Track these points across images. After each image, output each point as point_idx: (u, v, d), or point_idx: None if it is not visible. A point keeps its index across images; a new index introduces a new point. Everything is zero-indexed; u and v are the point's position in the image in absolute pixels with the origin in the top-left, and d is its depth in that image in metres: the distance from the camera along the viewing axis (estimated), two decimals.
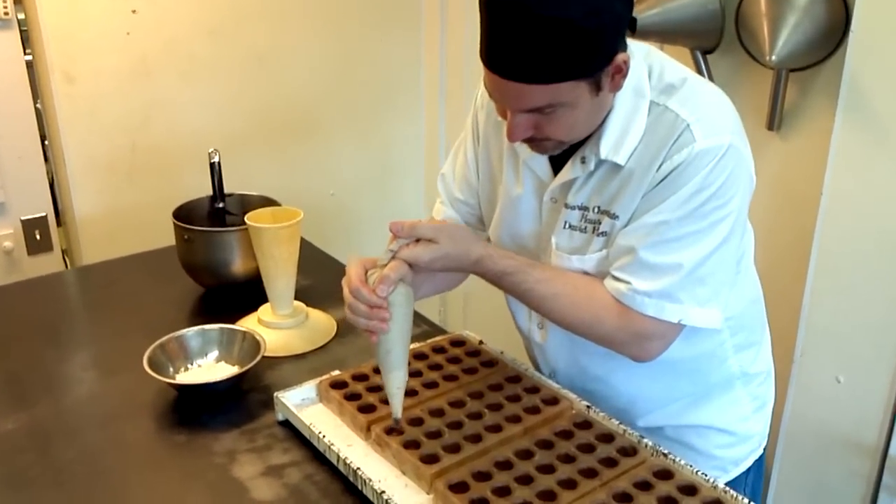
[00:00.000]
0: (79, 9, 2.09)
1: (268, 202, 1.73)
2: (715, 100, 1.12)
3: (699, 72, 1.87)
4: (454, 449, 1.12)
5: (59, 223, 2.26)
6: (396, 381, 1.10)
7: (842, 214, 1.76)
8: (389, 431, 1.16)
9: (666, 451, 1.12)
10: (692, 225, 1.08)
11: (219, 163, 1.69)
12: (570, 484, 1.06)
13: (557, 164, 1.18)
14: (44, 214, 2.18)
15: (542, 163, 1.20)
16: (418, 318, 1.53)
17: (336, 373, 1.31)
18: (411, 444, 1.13)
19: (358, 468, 1.11)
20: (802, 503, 2.02)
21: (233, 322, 1.51)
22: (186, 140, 2.32)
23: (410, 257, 1.08)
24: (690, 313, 1.11)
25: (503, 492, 1.04)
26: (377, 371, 1.30)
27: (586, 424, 1.19)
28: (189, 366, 1.41)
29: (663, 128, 1.08)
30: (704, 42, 1.87)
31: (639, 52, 1.12)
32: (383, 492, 1.06)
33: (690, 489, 1.05)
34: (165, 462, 1.23)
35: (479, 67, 1.07)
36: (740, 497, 1.04)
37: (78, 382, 1.43)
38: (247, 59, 2.39)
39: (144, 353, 1.34)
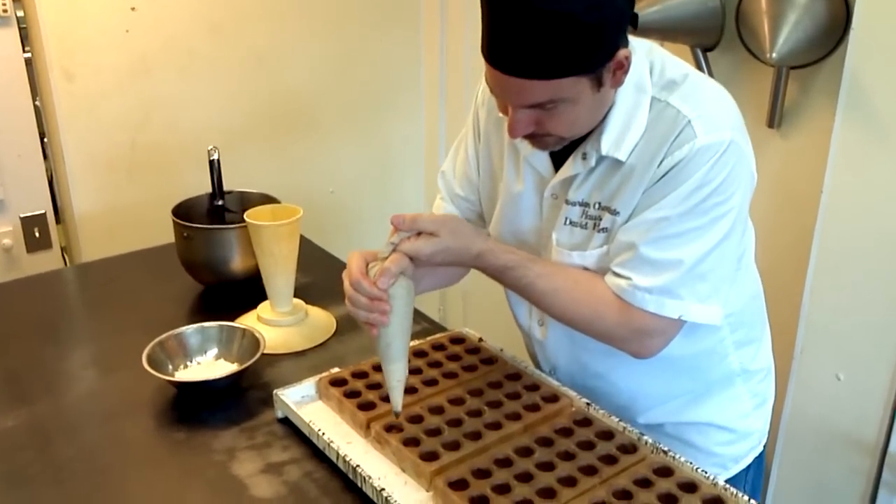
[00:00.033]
0: (78, 6, 2.08)
1: (267, 200, 1.73)
2: (716, 96, 1.12)
3: (699, 69, 1.86)
4: (454, 446, 1.12)
5: (58, 221, 2.26)
6: (397, 373, 1.10)
7: (842, 212, 1.75)
8: (389, 429, 1.16)
9: (666, 449, 1.12)
10: (693, 221, 1.08)
11: (218, 160, 1.68)
12: (569, 481, 1.06)
13: (558, 160, 1.18)
14: (43, 212, 2.18)
15: (542, 159, 1.20)
16: (418, 316, 1.52)
17: (335, 370, 1.31)
18: (411, 442, 1.13)
19: (357, 465, 1.11)
20: (802, 500, 2.02)
21: (232, 319, 1.51)
22: (186, 137, 2.32)
23: (411, 250, 1.08)
24: (691, 309, 1.10)
25: (503, 489, 1.04)
26: (377, 368, 1.30)
27: (586, 422, 1.18)
28: (188, 363, 1.41)
29: (664, 124, 1.08)
30: (705, 39, 1.87)
31: (640, 48, 1.12)
32: (383, 489, 1.06)
33: (690, 486, 1.05)
34: (165, 459, 1.22)
35: (479, 65, 1.07)
36: (740, 494, 1.04)
37: (77, 380, 1.43)
38: (247, 57, 2.39)
39: (144, 350, 1.34)
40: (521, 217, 1.25)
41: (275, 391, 1.28)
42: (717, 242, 1.09)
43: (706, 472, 1.08)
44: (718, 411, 1.31)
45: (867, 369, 1.80)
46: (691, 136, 1.06)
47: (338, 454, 1.15)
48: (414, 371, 1.29)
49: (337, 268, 1.84)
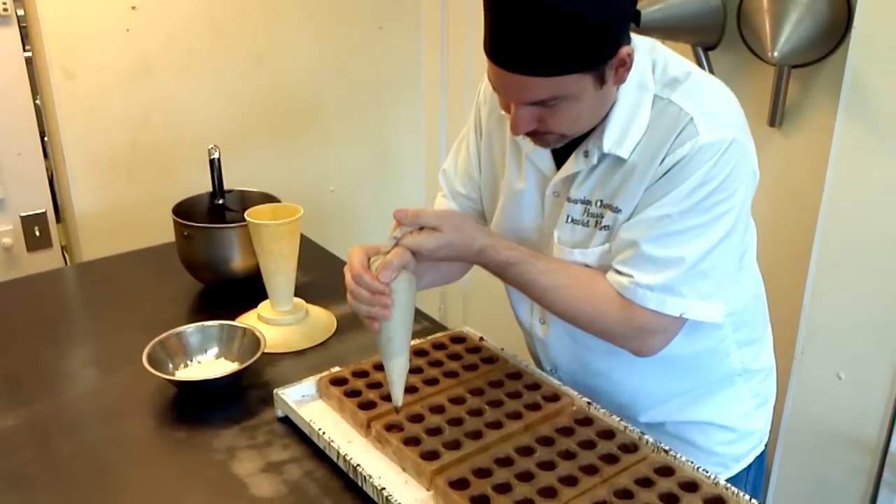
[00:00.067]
0: (78, 5, 2.08)
1: (268, 199, 1.73)
2: (719, 94, 1.12)
3: (701, 68, 1.86)
4: (454, 446, 1.12)
5: (58, 220, 2.26)
6: (398, 367, 1.10)
7: (843, 211, 1.75)
8: (390, 428, 1.15)
9: (667, 448, 1.12)
10: (695, 219, 1.07)
11: (219, 159, 1.68)
12: (570, 480, 1.05)
13: (560, 157, 1.18)
14: (43, 211, 2.18)
15: (544, 157, 1.20)
16: (419, 315, 1.52)
17: (336, 369, 1.31)
18: (411, 441, 1.13)
19: (358, 465, 1.11)
20: (803, 499, 2.02)
21: (232, 318, 1.51)
22: (186, 137, 2.32)
23: (414, 245, 1.08)
24: (692, 307, 1.10)
25: (503, 488, 1.04)
26: (377, 367, 1.30)
27: (587, 421, 1.18)
28: (189, 362, 1.40)
29: (667, 121, 1.08)
30: (706, 38, 1.87)
31: (643, 46, 1.12)
32: (383, 488, 1.06)
33: (691, 486, 1.05)
34: (165, 459, 1.22)
35: (480, 63, 1.07)
36: (741, 493, 1.03)
37: (77, 379, 1.43)
38: (247, 56, 2.39)
39: (144, 349, 1.34)
40: (523, 215, 1.25)
41: (275, 390, 1.28)
42: (719, 240, 1.09)
43: (707, 472, 1.07)
44: (720, 410, 1.31)
45: (868, 368, 1.80)
46: (693, 134, 1.06)
47: (338, 453, 1.14)
48: (415, 370, 1.29)
49: (337, 267, 1.84)
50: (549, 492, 1.03)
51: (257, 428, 1.27)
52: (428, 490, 1.08)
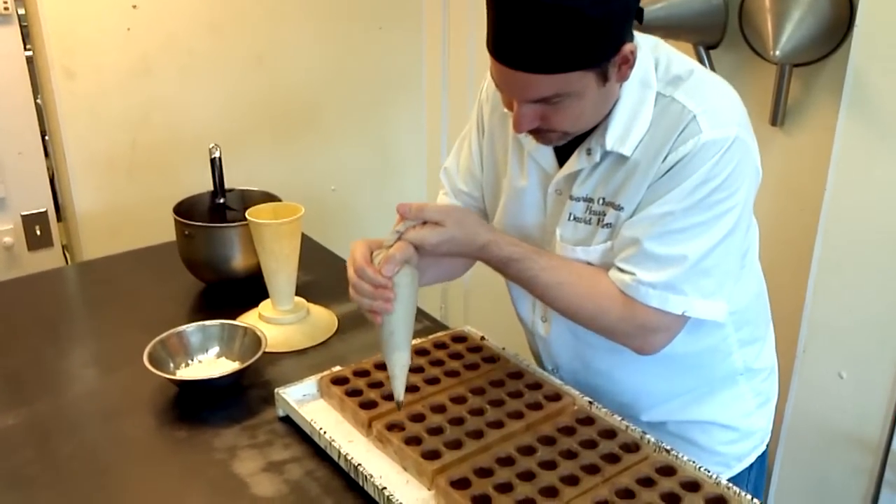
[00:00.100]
0: (79, 4, 2.08)
1: (269, 198, 1.72)
2: (722, 92, 1.12)
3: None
4: (456, 445, 1.12)
5: (59, 219, 2.26)
6: (399, 362, 1.10)
7: (845, 210, 1.75)
8: (391, 428, 1.15)
9: (668, 447, 1.12)
10: (697, 216, 1.07)
11: (220, 158, 1.68)
12: (572, 480, 1.05)
13: (562, 155, 1.18)
14: (44, 210, 2.18)
15: (547, 154, 1.19)
16: (419, 314, 1.52)
17: (337, 369, 1.31)
18: (413, 441, 1.12)
19: (359, 464, 1.10)
20: (805, 499, 2.02)
21: (233, 318, 1.50)
22: (187, 136, 2.32)
23: (416, 239, 1.08)
24: (695, 305, 1.10)
25: (505, 488, 1.03)
26: (378, 367, 1.30)
27: (588, 420, 1.18)
28: (189, 361, 1.40)
29: (670, 119, 1.08)
30: (708, 37, 1.86)
31: (646, 44, 1.12)
32: (384, 488, 1.06)
33: (693, 485, 1.05)
34: (166, 458, 1.22)
35: (481, 63, 1.07)
36: (743, 493, 1.03)
37: (78, 378, 1.42)
38: (248, 55, 2.39)
39: (145, 348, 1.34)
40: (525, 212, 1.25)
41: (276, 390, 1.28)
42: (722, 238, 1.09)
43: (709, 471, 1.07)
44: (721, 410, 1.31)
45: (870, 367, 1.80)
46: (696, 131, 1.06)
47: (339, 453, 1.14)
48: (416, 369, 1.28)
49: (338, 266, 1.84)
50: (550, 491, 1.03)
51: (258, 427, 1.27)
52: (429, 490, 1.07)
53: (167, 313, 1.59)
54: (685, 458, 1.10)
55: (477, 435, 1.14)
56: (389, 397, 1.21)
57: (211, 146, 1.67)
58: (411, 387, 1.22)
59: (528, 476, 1.06)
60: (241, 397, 1.35)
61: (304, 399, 1.28)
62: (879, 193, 1.69)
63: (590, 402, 1.23)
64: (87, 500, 1.13)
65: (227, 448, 1.22)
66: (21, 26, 2.04)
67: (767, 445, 1.39)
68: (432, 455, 1.09)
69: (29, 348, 1.50)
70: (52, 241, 2.21)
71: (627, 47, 1.02)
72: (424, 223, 1.09)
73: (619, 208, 1.13)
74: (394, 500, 1.04)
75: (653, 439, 1.14)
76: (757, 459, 1.37)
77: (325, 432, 1.17)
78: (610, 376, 1.28)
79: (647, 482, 1.05)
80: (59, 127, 2.15)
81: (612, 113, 1.10)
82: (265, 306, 1.57)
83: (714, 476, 1.06)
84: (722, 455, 1.33)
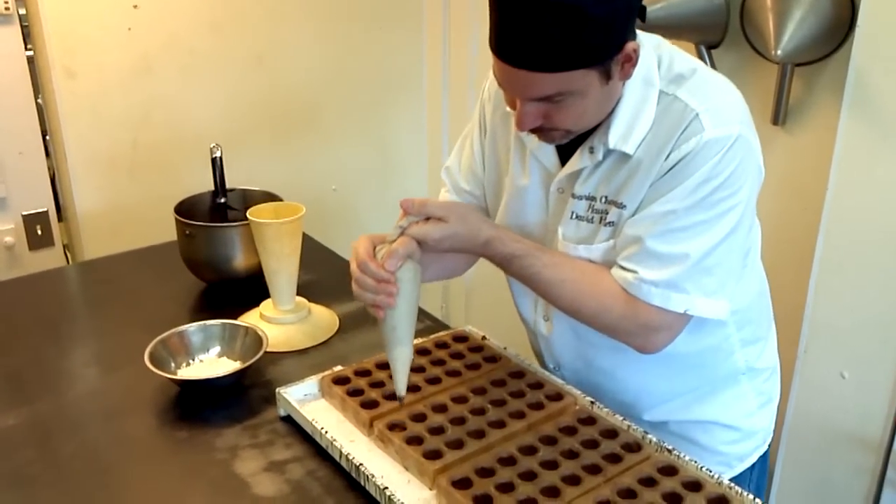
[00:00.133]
0: (80, 4, 2.08)
1: (270, 197, 1.72)
2: (724, 90, 1.12)
3: None
4: (457, 445, 1.12)
5: (60, 218, 2.26)
6: (401, 357, 1.10)
7: (847, 209, 1.75)
8: (392, 427, 1.15)
9: (670, 447, 1.12)
10: (700, 214, 1.07)
11: (221, 158, 1.68)
12: (573, 480, 1.05)
13: (565, 154, 1.18)
14: (45, 209, 2.18)
15: (549, 153, 1.19)
16: (420, 314, 1.51)
17: (338, 368, 1.31)
18: (414, 440, 1.12)
19: (361, 464, 1.10)
20: (806, 499, 2.01)
21: (234, 317, 1.50)
22: (188, 135, 2.32)
23: (420, 234, 1.08)
24: (697, 303, 1.10)
25: (506, 488, 1.03)
26: (380, 366, 1.30)
27: (590, 420, 1.18)
28: (191, 361, 1.40)
29: (672, 117, 1.08)
30: (709, 36, 1.86)
31: (649, 42, 1.12)
32: (386, 488, 1.06)
33: (695, 485, 1.04)
34: (167, 458, 1.22)
35: (482, 63, 1.07)
36: (745, 493, 1.03)
37: (79, 378, 1.42)
38: (249, 55, 2.39)
39: (146, 348, 1.34)
40: (527, 211, 1.25)
41: (277, 389, 1.28)
42: (724, 236, 1.08)
43: (711, 471, 1.07)
44: (723, 410, 1.30)
45: (872, 367, 1.80)
46: (699, 130, 1.06)
47: (341, 453, 1.14)
48: (417, 369, 1.28)
49: (339, 266, 1.85)
50: (552, 491, 1.03)
51: (259, 427, 1.27)
52: (430, 489, 1.07)
53: (168, 313, 1.59)
54: (687, 458, 1.10)
55: (478, 435, 1.14)
56: (391, 397, 1.21)
57: (212, 146, 1.67)
58: (412, 387, 1.22)
59: (529, 476, 1.06)
60: (242, 397, 1.35)
61: (306, 399, 1.27)
62: (881, 193, 1.69)
63: (591, 402, 1.22)
64: (88, 500, 1.13)
65: (229, 448, 1.22)
66: (22, 26, 2.04)
67: (769, 445, 1.39)
68: (434, 455, 1.09)
69: (30, 348, 1.50)
70: (53, 240, 2.21)
71: (630, 46, 1.02)
72: (427, 219, 1.09)
73: (621, 206, 1.13)
74: (395, 500, 1.04)
75: (654, 439, 1.13)
76: (759, 459, 1.37)
77: (326, 432, 1.17)
78: (612, 375, 1.28)
79: (648, 482, 1.05)
80: (60, 126, 2.14)
81: (614, 111, 1.10)
82: (266, 306, 1.57)
83: (716, 476, 1.06)
84: (724, 455, 1.32)
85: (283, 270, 1.52)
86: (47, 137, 2.19)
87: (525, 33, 0.98)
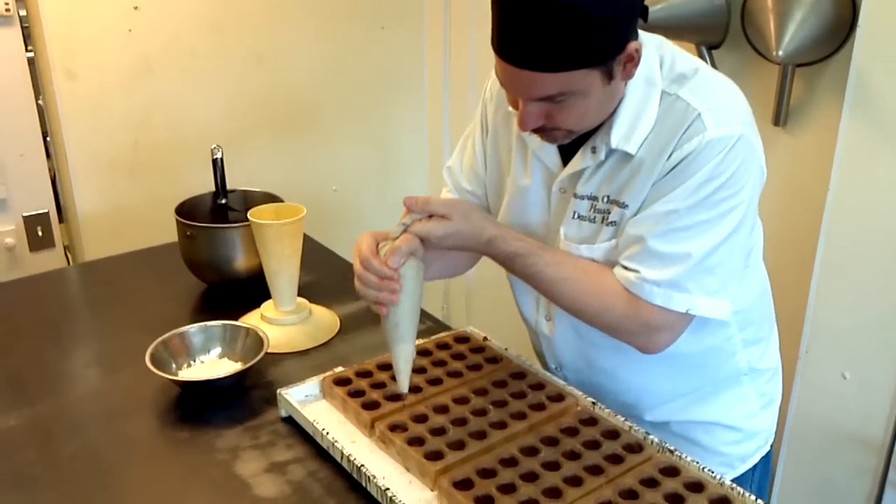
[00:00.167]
0: (80, 5, 2.08)
1: (271, 198, 1.72)
2: (727, 90, 1.12)
3: None
4: (459, 446, 1.11)
5: (60, 220, 2.25)
6: (404, 353, 1.10)
7: (848, 210, 1.75)
8: (393, 428, 1.15)
9: (672, 448, 1.11)
10: (702, 214, 1.07)
11: (221, 159, 1.68)
12: (575, 481, 1.05)
13: (567, 154, 1.18)
14: (45, 211, 2.18)
15: (551, 153, 1.19)
16: (421, 315, 1.51)
17: (339, 369, 1.31)
18: (415, 441, 1.12)
19: (362, 465, 1.10)
20: (808, 499, 2.01)
21: (235, 318, 1.50)
22: (188, 137, 2.32)
23: (422, 232, 1.08)
24: (699, 303, 1.10)
25: (508, 489, 1.03)
26: (381, 367, 1.30)
27: (592, 421, 1.18)
28: (192, 362, 1.40)
29: (674, 117, 1.08)
30: (710, 37, 1.86)
31: (651, 42, 1.12)
32: (387, 489, 1.06)
33: (697, 486, 1.04)
34: (168, 459, 1.22)
35: (482, 63, 1.07)
36: (747, 494, 1.03)
37: (80, 379, 1.42)
38: (249, 55, 2.39)
39: (147, 349, 1.34)
40: (529, 211, 1.25)
41: (278, 390, 1.27)
42: (726, 236, 1.08)
43: (713, 472, 1.07)
44: (725, 410, 1.30)
45: (873, 368, 1.80)
46: (701, 129, 1.06)
47: (342, 453, 1.14)
48: (418, 370, 1.28)
49: (340, 266, 1.85)
50: (553, 492, 1.03)
51: (261, 428, 1.27)
52: (432, 490, 1.07)
53: (169, 314, 1.59)
54: (689, 459, 1.09)
55: (480, 436, 1.14)
56: (392, 398, 1.21)
57: (213, 147, 1.67)
58: (414, 388, 1.22)
59: (531, 477, 1.05)
60: (243, 398, 1.35)
61: (307, 400, 1.27)
62: (882, 193, 1.69)
63: (593, 403, 1.22)
64: (89, 501, 1.13)
65: (230, 449, 1.22)
66: (22, 27, 2.04)
67: (771, 446, 1.39)
68: (435, 456, 1.09)
69: (31, 349, 1.50)
70: (53, 241, 2.21)
71: (632, 45, 1.02)
72: (430, 216, 1.09)
73: (623, 206, 1.13)
74: (396, 501, 1.04)
75: (656, 440, 1.13)
76: (761, 460, 1.36)
77: (327, 433, 1.17)
78: (614, 375, 1.28)
79: (650, 483, 1.05)
80: (61, 128, 2.14)
81: (616, 111, 1.10)
82: (267, 307, 1.57)
83: (718, 477, 1.06)
84: (725, 455, 1.32)
85: (283, 271, 1.52)
86: (48, 139, 2.19)
87: (527, 33, 0.98)
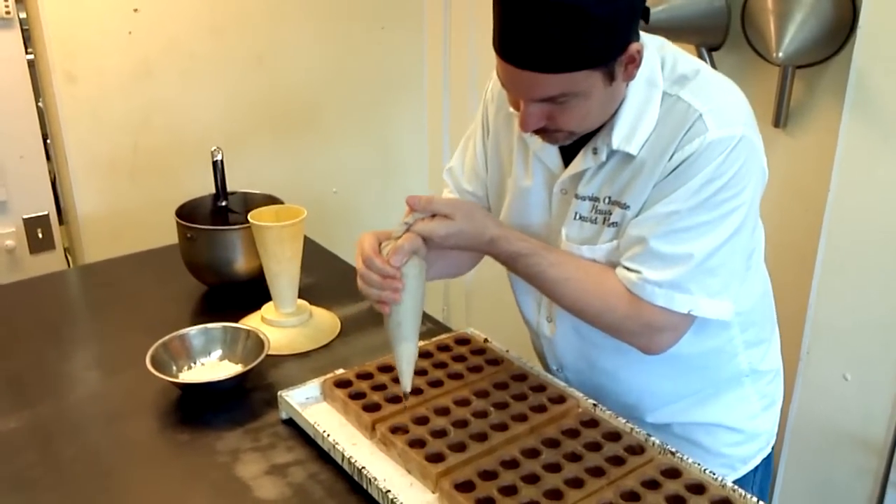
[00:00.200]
0: (80, 8, 2.08)
1: (271, 200, 1.72)
2: (728, 91, 1.12)
3: None
4: (460, 448, 1.11)
5: (61, 222, 2.25)
6: (407, 353, 1.10)
7: (849, 211, 1.75)
8: (395, 430, 1.15)
9: (673, 450, 1.11)
10: (703, 215, 1.07)
11: (222, 161, 1.68)
12: (576, 483, 1.05)
13: (568, 155, 1.18)
14: (46, 213, 2.18)
15: (552, 154, 1.19)
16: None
17: (340, 371, 1.31)
18: (417, 443, 1.12)
19: (363, 467, 1.10)
20: (809, 501, 2.01)
21: (236, 321, 1.50)
22: (189, 139, 2.32)
23: (425, 231, 1.08)
24: (700, 304, 1.10)
25: (509, 491, 1.03)
26: (382, 370, 1.29)
27: (593, 423, 1.18)
28: (192, 364, 1.40)
29: (676, 118, 1.08)
30: (710, 39, 1.86)
31: (652, 43, 1.12)
32: (388, 491, 1.05)
33: (698, 488, 1.04)
34: (168, 461, 1.22)
35: (482, 62, 1.07)
36: (748, 495, 1.03)
37: (80, 381, 1.42)
38: (249, 57, 2.39)
39: (147, 351, 1.34)
40: (530, 212, 1.25)
41: (279, 392, 1.27)
42: (728, 237, 1.08)
43: (714, 474, 1.07)
44: (726, 412, 1.30)
45: (874, 369, 1.80)
46: (703, 130, 1.06)
47: (343, 456, 1.14)
48: (419, 372, 1.28)
49: (341, 268, 1.85)
50: (555, 494, 1.03)
51: (261, 430, 1.27)
52: (433, 492, 1.07)
53: (169, 316, 1.59)
54: (690, 461, 1.09)
55: (481, 437, 1.13)
56: (393, 400, 1.21)
57: (213, 149, 1.67)
58: (415, 390, 1.22)
59: (532, 479, 1.05)
60: (243, 400, 1.35)
61: (308, 402, 1.27)
62: (883, 194, 1.69)
63: (594, 405, 1.22)
64: (89, 503, 1.13)
65: (230, 451, 1.22)
66: (22, 30, 2.04)
67: (773, 448, 1.39)
68: (436, 458, 1.09)
69: (31, 351, 1.49)
70: (53, 244, 2.21)
71: (634, 47, 1.02)
72: (433, 216, 1.09)
73: (625, 207, 1.13)
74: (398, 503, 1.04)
75: (658, 441, 1.13)
76: (762, 462, 1.36)
77: (328, 435, 1.17)
78: (615, 376, 1.28)
79: (652, 485, 1.05)
80: (61, 130, 2.14)
81: (618, 112, 1.10)
82: (268, 309, 1.57)
83: (719, 478, 1.06)
84: (727, 457, 1.32)
85: (284, 273, 1.52)
86: (48, 141, 2.19)
87: (529, 34, 0.98)
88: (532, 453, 1.11)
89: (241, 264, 1.63)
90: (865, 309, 1.78)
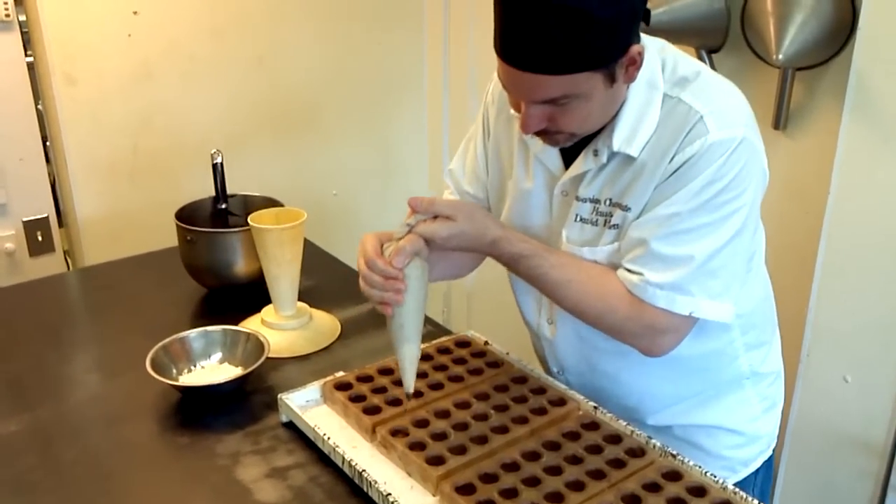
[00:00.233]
0: (80, 10, 2.08)
1: (271, 203, 1.72)
2: (728, 93, 1.12)
3: None
4: (460, 450, 1.11)
5: (60, 224, 2.25)
6: (409, 354, 1.10)
7: (849, 213, 1.75)
8: (395, 433, 1.15)
9: (674, 452, 1.11)
10: (704, 217, 1.07)
11: (221, 164, 1.68)
12: (577, 485, 1.05)
13: (568, 157, 1.18)
14: (45, 216, 2.18)
15: (553, 156, 1.19)
16: None
17: (340, 374, 1.31)
18: (417, 446, 1.12)
19: (363, 470, 1.10)
20: (810, 503, 2.01)
21: (236, 323, 1.50)
22: (188, 141, 2.32)
23: (427, 232, 1.08)
24: (702, 306, 1.10)
25: (510, 494, 1.03)
26: (382, 372, 1.29)
27: (594, 425, 1.17)
28: (192, 367, 1.40)
29: (676, 120, 1.08)
30: (710, 41, 1.86)
31: (653, 45, 1.12)
32: (389, 494, 1.05)
33: (699, 490, 1.04)
34: (168, 464, 1.22)
35: (482, 64, 1.07)
36: (749, 498, 1.03)
37: (80, 384, 1.42)
38: (249, 60, 2.39)
39: (147, 354, 1.34)
40: (531, 214, 1.25)
41: (279, 395, 1.27)
42: (729, 239, 1.08)
43: (715, 476, 1.07)
44: (727, 414, 1.30)
45: (874, 371, 1.80)
46: (703, 132, 1.06)
47: (343, 458, 1.14)
48: (419, 374, 1.27)
49: (341, 271, 1.85)
50: (555, 497, 1.02)
51: (261, 433, 1.27)
52: (434, 495, 1.07)
53: (169, 319, 1.59)
54: (691, 463, 1.09)
55: (481, 440, 1.13)
56: (393, 402, 1.21)
57: (213, 152, 1.67)
58: (415, 392, 1.22)
59: (533, 482, 1.05)
60: (243, 403, 1.35)
61: (308, 405, 1.27)
62: (883, 196, 1.69)
63: (595, 407, 1.22)
64: None
65: (230, 454, 1.22)
66: (22, 32, 2.04)
67: (774, 450, 1.39)
68: (437, 460, 1.09)
69: (31, 354, 1.49)
70: (53, 246, 2.21)
71: (635, 48, 1.02)
72: (435, 217, 1.09)
73: (625, 209, 1.13)
74: None
75: (658, 444, 1.13)
76: (763, 464, 1.36)
77: (328, 438, 1.17)
78: (616, 379, 1.27)
79: (653, 487, 1.05)
80: (61, 132, 2.14)
81: (619, 114, 1.10)
82: (268, 312, 1.57)
83: (720, 481, 1.06)
84: (728, 460, 1.32)
85: (284, 276, 1.52)
86: (48, 143, 2.19)
87: (530, 36, 0.98)
88: (533, 456, 1.10)
89: (240, 267, 1.63)
90: (866, 311, 1.78)
